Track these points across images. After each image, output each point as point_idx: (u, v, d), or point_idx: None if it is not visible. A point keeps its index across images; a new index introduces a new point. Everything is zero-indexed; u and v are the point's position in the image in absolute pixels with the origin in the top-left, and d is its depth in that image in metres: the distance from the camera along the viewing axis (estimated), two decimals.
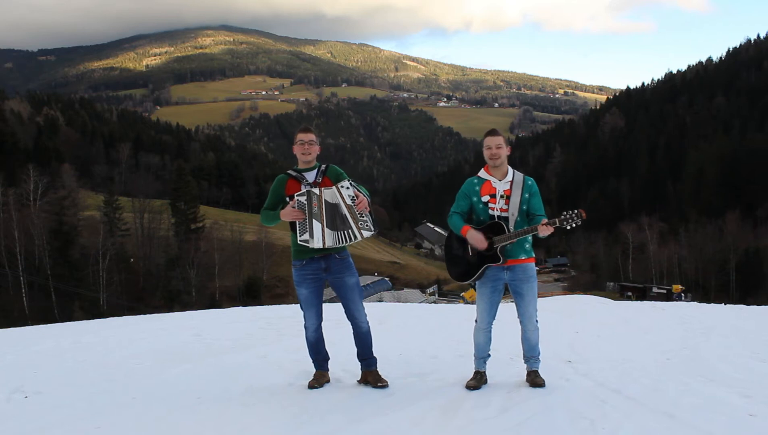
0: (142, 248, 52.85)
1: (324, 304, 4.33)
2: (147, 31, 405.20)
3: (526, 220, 4.02)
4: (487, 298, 4.07)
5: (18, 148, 64.03)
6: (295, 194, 3.99)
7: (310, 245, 3.96)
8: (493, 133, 4.05)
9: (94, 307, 39.33)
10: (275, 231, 61.76)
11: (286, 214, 3.98)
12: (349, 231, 3.95)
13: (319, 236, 3.93)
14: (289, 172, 4.16)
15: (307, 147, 4.08)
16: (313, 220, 3.93)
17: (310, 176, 4.08)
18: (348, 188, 3.94)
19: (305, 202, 3.95)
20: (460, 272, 4.15)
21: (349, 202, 3.93)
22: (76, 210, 49.86)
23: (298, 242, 4.00)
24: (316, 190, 3.94)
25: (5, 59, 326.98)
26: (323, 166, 4.15)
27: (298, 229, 3.98)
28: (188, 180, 60.51)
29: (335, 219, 3.94)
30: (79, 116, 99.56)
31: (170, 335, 7.19)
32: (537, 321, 4.11)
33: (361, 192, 3.99)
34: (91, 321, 10.76)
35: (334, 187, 3.95)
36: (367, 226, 3.96)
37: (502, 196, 3.99)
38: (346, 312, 4.23)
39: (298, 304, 4.30)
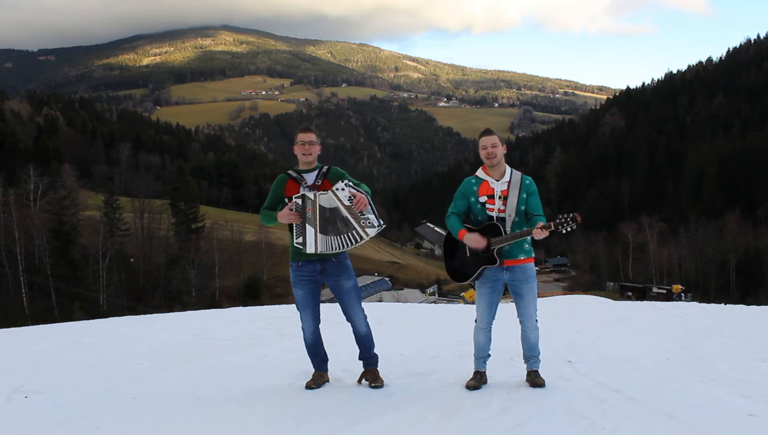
0: (142, 248, 52.84)
1: (322, 304, 4.30)
2: (147, 31, 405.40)
3: (525, 221, 4.00)
4: (487, 297, 4.06)
5: (18, 148, 64.07)
6: (293, 197, 3.95)
7: (303, 250, 3.94)
8: (487, 132, 4.03)
9: (94, 307, 39.32)
10: (275, 231, 61.71)
11: (283, 216, 3.94)
12: (352, 232, 3.88)
13: (312, 241, 3.88)
14: (289, 172, 4.12)
15: (307, 147, 4.04)
16: (307, 224, 3.89)
17: (310, 178, 4.04)
18: (343, 190, 3.87)
19: (301, 206, 3.92)
20: (458, 272, 4.16)
21: (347, 202, 3.86)
22: (76, 210, 49.78)
23: (294, 244, 3.99)
24: (311, 195, 3.89)
25: (5, 59, 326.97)
26: (324, 168, 4.09)
27: (294, 231, 3.95)
28: (188, 180, 60.54)
29: (329, 224, 3.88)
30: (79, 116, 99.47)
31: (170, 335, 7.18)
32: (537, 321, 4.11)
33: (360, 190, 3.91)
34: (91, 321, 10.74)
35: (330, 192, 3.89)
36: (369, 223, 3.88)
37: (500, 197, 3.97)
38: (344, 315, 4.21)
39: (295, 305, 4.27)
